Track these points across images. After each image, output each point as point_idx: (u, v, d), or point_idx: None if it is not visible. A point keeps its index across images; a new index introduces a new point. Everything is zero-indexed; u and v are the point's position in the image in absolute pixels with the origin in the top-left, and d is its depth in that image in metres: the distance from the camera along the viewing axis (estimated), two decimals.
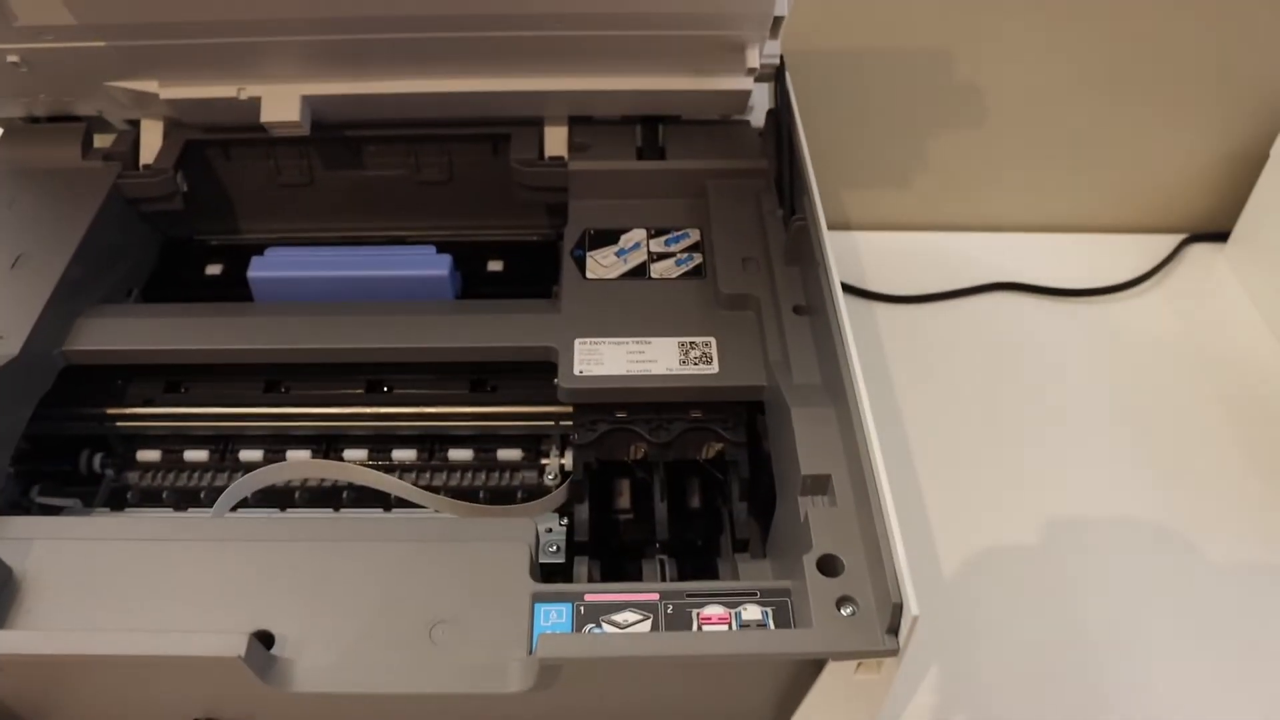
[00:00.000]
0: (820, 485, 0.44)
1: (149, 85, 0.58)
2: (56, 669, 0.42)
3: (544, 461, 0.56)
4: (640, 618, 0.41)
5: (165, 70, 0.58)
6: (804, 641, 0.39)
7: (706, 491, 0.56)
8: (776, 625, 0.41)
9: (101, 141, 0.64)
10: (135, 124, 0.64)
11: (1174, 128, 0.79)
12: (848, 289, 0.77)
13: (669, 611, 0.41)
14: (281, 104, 0.58)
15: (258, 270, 0.59)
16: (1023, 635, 0.57)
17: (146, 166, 0.63)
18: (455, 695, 0.40)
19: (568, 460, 0.55)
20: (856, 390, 0.44)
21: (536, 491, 0.54)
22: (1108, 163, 0.81)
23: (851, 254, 0.82)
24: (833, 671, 0.39)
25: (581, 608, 0.41)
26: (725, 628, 0.41)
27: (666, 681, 0.43)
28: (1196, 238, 0.83)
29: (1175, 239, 0.83)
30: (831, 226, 0.52)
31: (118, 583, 0.43)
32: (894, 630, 0.38)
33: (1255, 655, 0.56)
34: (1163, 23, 0.72)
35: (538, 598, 0.42)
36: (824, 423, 0.46)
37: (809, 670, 0.41)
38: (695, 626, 0.41)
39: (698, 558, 0.54)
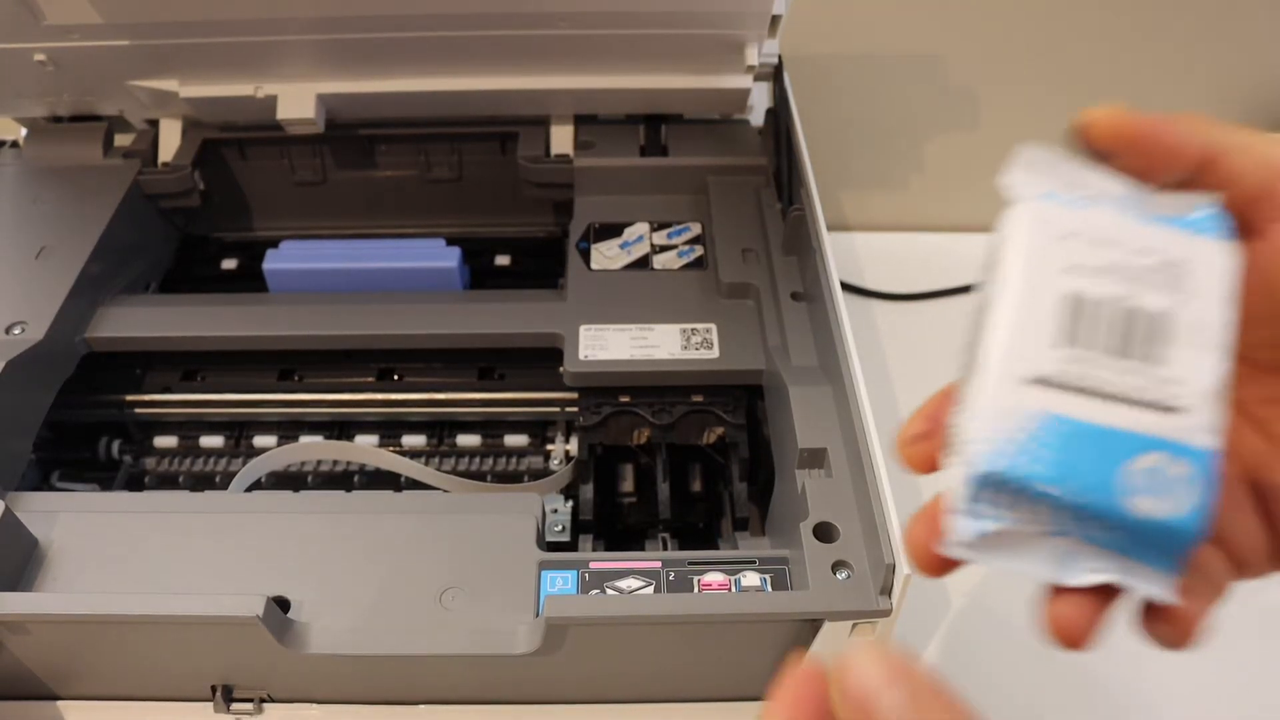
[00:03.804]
0: (817, 458, 0.45)
1: (169, 84, 0.60)
2: (80, 632, 0.43)
3: (549, 447, 0.58)
4: (643, 584, 0.42)
5: (185, 69, 0.59)
6: (801, 602, 0.40)
7: (708, 477, 0.57)
8: (774, 590, 0.42)
9: (122, 141, 0.66)
10: (154, 123, 0.66)
11: None
12: (845, 287, 0.79)
13: (670, 578, 0.43)
14: (297, 102, 0.60)
15: (272, 262, 0.61)
16: (1015, 614, 0.58)
17: (165, 164, 0.64)
18: (465, 656, 0.41)
19: (573, 446, 0.57)
20: (852, 369, 0.46)
21: (542, 476, 0.56)
22: None
23: (849, 254, 0.83)
24: (828, 633, 0.41)
25: (586, 574, 0.43)
26: (725, 593, 0.42)
27: (668, 646, 0.44)
28: None
29: None
30: (830, 227, 0.53)
31: (139, 553, 0.45)
32: (887, 591, 0.40)
33: (1252, 653, 0.57)
34: (1154, 27, 0.74)
35: (544, 565, 0.43)
36: (820, 400, 0.47)
37: (806, 633, 0.42)
38: (696, 592, 0.42)
39: (699, 539, 0.55)
